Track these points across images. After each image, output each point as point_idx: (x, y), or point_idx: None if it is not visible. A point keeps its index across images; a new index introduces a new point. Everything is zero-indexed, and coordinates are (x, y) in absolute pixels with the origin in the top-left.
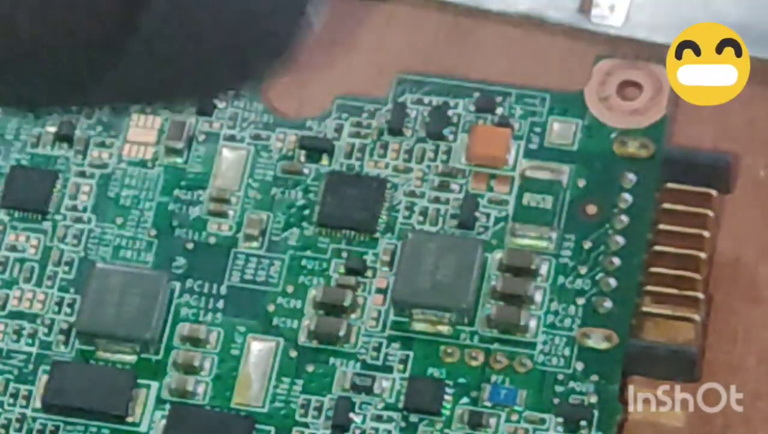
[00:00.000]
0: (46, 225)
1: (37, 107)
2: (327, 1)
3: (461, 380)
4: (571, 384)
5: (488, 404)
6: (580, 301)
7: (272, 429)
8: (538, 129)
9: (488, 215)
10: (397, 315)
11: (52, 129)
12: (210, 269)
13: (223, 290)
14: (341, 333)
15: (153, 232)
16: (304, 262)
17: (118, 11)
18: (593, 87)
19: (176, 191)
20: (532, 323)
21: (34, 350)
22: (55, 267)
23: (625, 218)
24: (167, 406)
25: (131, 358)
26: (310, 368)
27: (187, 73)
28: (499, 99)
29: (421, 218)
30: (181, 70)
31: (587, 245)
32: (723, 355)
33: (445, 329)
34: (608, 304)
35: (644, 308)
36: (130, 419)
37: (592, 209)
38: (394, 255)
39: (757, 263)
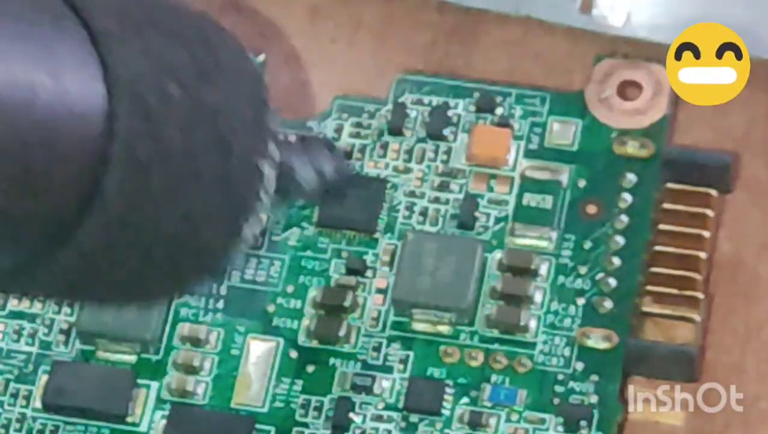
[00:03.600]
0: None
1: None
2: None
3: (461, 380)
4: (571, 384)
5: (488, 404)
6: (580, 301)
7: (272, 429)
8: (538, 129)
9: (488, 215)
10: (397, 315)
11: None
12: None
13: (223, 290)
14: (341, 333)
15: None
16: (304, 262)
17: (69, 203)
18: (593, 87)
19: None
20: (532, 323)
21: (34, 350)
22: None
23: (625, 218)
24: (167, 406)
25: (131, 358)
26: (310, 368)
27: (121, 282)
28: (499, 99)
29: (421, 218)
30: (118, 277)
31: (587, 245)
32: (723, 355)
33: (445, 329)
34: (608, 304)
35: (644, 308)
36: (130, 419)
37: (592, 209)
38: (394, 255)
39: (757, 263)
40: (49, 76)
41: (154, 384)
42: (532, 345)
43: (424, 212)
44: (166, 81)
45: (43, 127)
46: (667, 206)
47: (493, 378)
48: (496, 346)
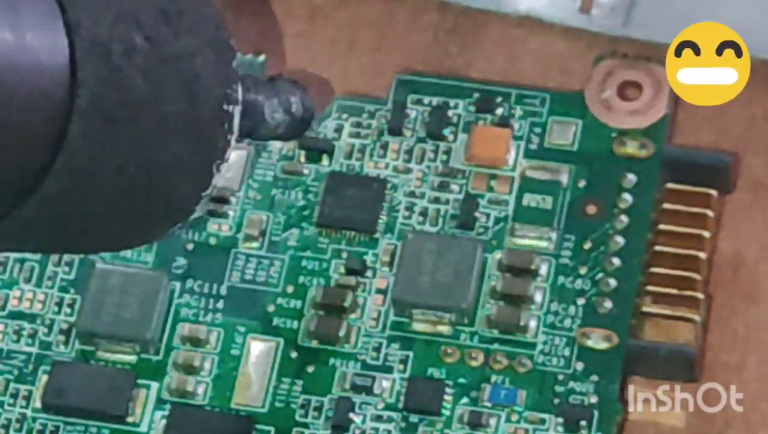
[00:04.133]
0: None
1: None
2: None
3: (461, 380)
4: (571, 384)
5: (488, 404)
6: (580, 301)
7: (272, 429)
8: (538, 129)
9: (488, 216)
10: (397, 315)
11: None
12: (210, 270)
13: (223, 290)
14: (341, 333)
15: None
16: (304, 262)
17: (36, 155)
18: (593, 87)
19: None
20: (532, 323)
21: (34, 350)
22: (55, 267)
23: (625, 218)
24: (167, 406)
25: (131, 358)
26: (310, 368)
27: (90, 231)
28: (499, 99)
29: (421, 219)
30: (85, 226)
31: (587, 245)
32: (723, 355)
33: (445, 329)
34: (608, 304)
35: (644, 308)
36: (130, 419)
37: (592, 209)
38: (394, 255)
39: (757, 263)
40: (11, 31)
41: (154, 384)
42: (532, 345)
43: (424, 212)
44: (128, 29)
45: (5, 81)
46: (667, 206)
47: (493, 378)
48: (496, 346)
